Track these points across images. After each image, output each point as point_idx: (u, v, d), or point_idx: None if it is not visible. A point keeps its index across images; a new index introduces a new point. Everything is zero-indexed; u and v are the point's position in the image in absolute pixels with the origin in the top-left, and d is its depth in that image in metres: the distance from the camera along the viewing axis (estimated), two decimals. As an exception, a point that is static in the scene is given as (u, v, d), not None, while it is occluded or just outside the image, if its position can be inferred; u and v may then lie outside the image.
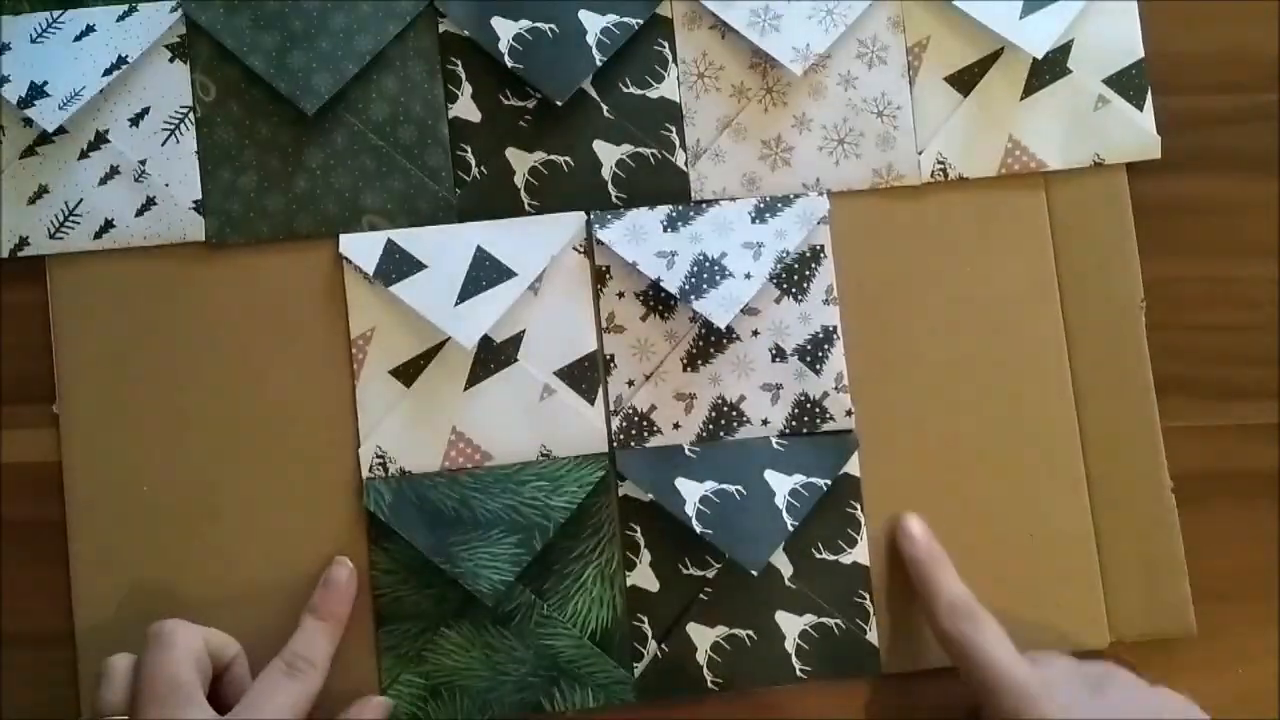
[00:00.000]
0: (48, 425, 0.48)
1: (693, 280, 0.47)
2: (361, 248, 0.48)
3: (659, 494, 0.47)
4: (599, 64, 0.48)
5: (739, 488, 0.47)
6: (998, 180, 0.50)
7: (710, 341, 0.48)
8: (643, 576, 0.48)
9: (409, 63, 0.49)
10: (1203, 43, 0.51)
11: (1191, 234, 0.50)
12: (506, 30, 0.48)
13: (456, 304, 0.47)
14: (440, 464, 0.47)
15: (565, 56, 0.48)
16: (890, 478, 0.48)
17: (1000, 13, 0.49)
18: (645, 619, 0.48)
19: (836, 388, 0.48)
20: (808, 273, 0.49)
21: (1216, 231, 0.50)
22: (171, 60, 0.48)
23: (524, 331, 0.48)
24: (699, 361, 0.48)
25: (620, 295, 0.49)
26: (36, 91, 0.47)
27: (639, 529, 0.48)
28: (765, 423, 0.48)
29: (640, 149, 0.49)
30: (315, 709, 0.44)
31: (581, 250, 0.49)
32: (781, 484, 0.47)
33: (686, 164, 0.49)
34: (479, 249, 0.48)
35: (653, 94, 0.49)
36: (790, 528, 0.46)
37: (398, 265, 0.47)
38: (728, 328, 0.48)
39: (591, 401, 0.48)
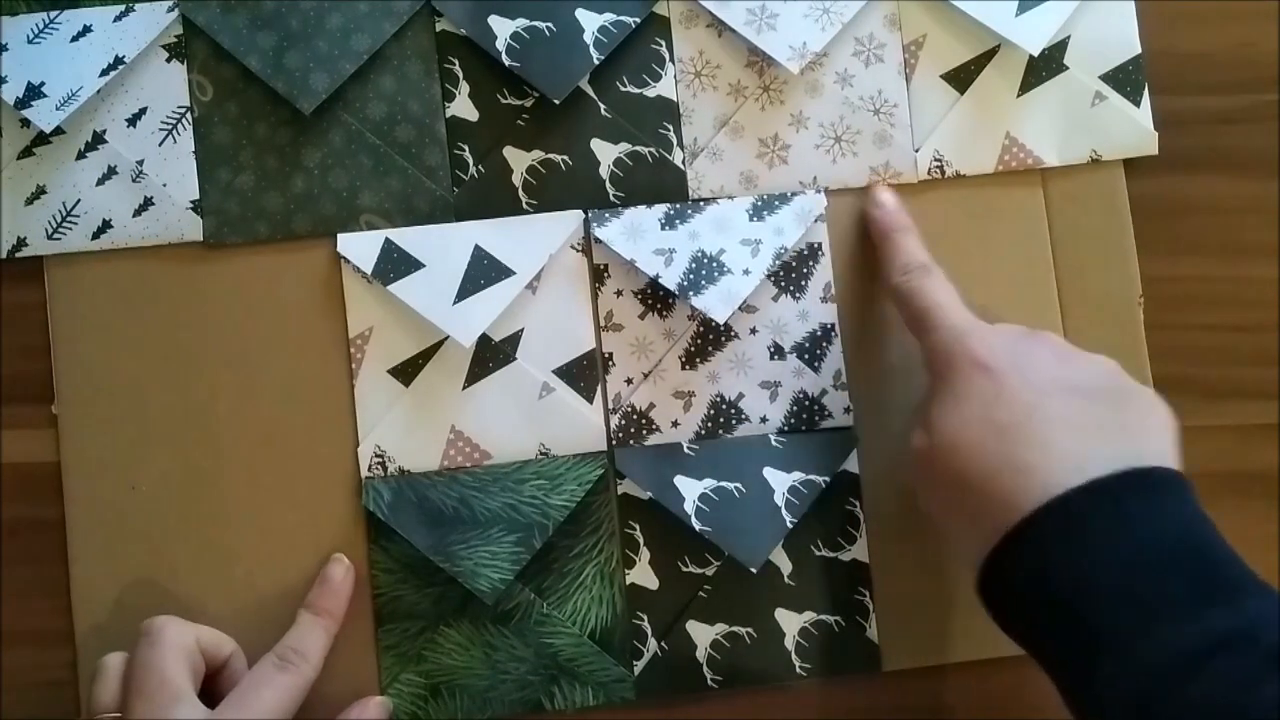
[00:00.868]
0: (48, 425, 0.48)
1: (691, 277, 0.47)
2: (359, 247, 0.48)
3: (658, 492, 0.47)
4: (596, 62, 0.48)
5: (738, 485, 0.47)
6: (995, 177, 0.50)
7: (709, 339, 0.48)
8: (642, 574, 0.48)
9: (406, 62, 0.49)
10: (1202, 42, 0.51)
11: (1191, 234, 0.50)
12: (503, 29, 0.49)
13: (455, 303, 0.47)
14: (439, 463, 0.48)
15: (562, 55, 0.48)
16: (889, 475, 0.48)
17: (996, 10, 0.49)
18: (645, 617, 0.48)
19: (835, 385, 0.48)
20: (806, 270, 0.49)
21: (1216, 231, 0.50)
22: (169, 60, 0.48)
23: (522, 330, 0.48)
24: (697, 359, 0.48)
25: (618, 293, 0.49)
26: (34, 92, 0.47)
27: (638, 527, 0.48)
28: (764, 420, 0.48)
29: (638, 147, 0.49)
30: (313, 710, 0.44)
31: (579, 249, 0.49)
32: (780, 481, 0.47)
33: (684, 162, 0.49)
34: (477, 248, 0.48)
35: (650, 93, 0.49)
36: (789, 525, 0.46)
37: (396, 264, 0.47)
38: (726, 325, 0.48)
39: (590, 400, 0.48)
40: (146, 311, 0.48)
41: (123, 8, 0.48)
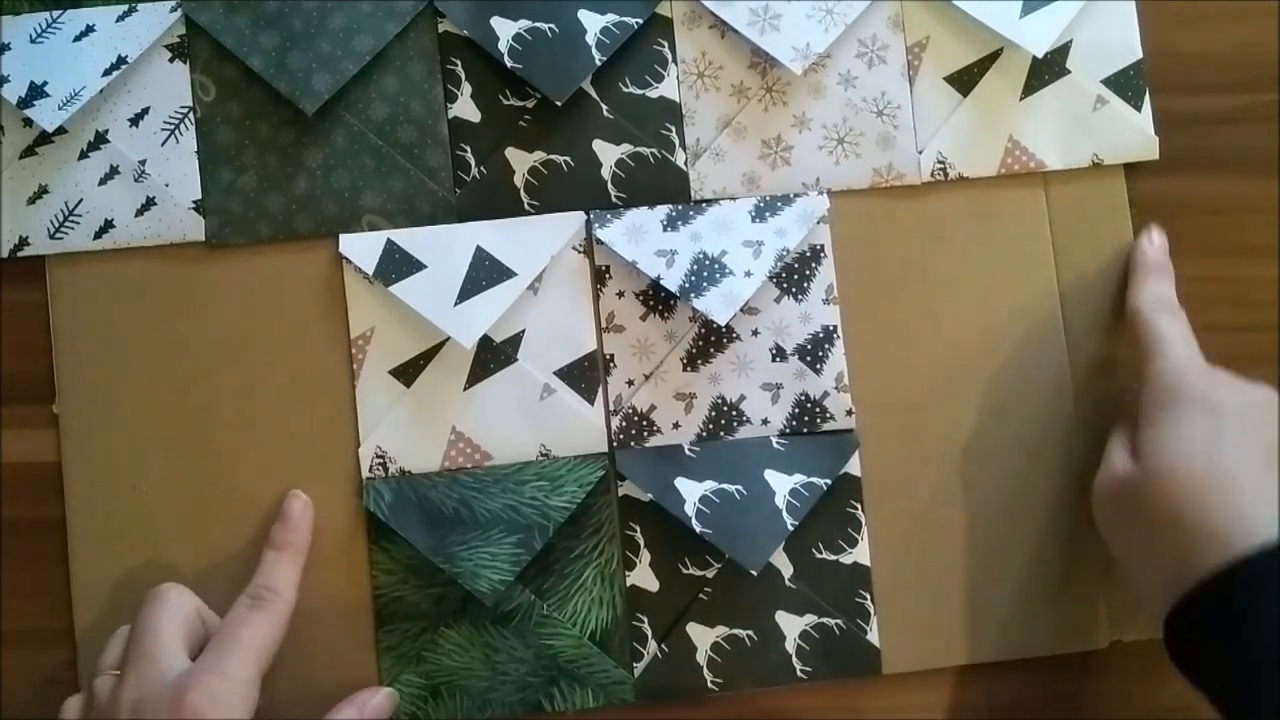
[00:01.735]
0: (48, 425, 0.48)
1: (692, 279, 0.47)
2: (361, 248, 0.48)
3: (658, 494, 0.47)
4: (598, 63, 0.48)
5: (739, 487, 0.47)
6: (997, 180, 0.50)
7: (710, 341, 0.48)
8: (642, 576, 0.48)
9: (409, 63, 0.49)
10: (1203, 43, 0.51)
11: (1191, 234, 0.50)
12: (506, 30, 0.48)
13: (456, 304, 0.47)
14: (440, 464, 0.47)
15: (565, 56, 0.48)
16: (890, 477, 0.48)
17: (1000, 12, 0.49)
18: (645, 619, 0.48)
19: (837, 387, 0.48)
20: (808, 272, 0.49)
21: (1216, 231, 0.50)
22: (171, 60, 0.48)
23: (524, 331, 0.48)
24: (699, 361, 0.48)
25: (620, 295, 0.49)
26: (36, 92, 0.47)
27: (639, 529, 0.48)
28: (765, 422, 0.48)
29: (640, 148, 0.49)
30: (313, 708, 0.44)
31: (581, 250, 0.49)
32: (781, 484, 0.47)
33: (686, 163, 0.49)
34: (479, 249, 0.48)
35: (652, 94, 0.49)
36: (790, 527, 0.46)
37: (397, 265, 0.47)
38: (727, 327, 0.48)
39: (591, 401, 0.48)
40: (148, 311, 0.48)
41: (125, 8, 0.48)
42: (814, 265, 0.49)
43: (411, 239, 0.48)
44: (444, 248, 0.48)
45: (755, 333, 0.48)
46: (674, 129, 0.49)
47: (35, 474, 0.47)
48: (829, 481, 0.47)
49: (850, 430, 0.48)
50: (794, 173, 0.49)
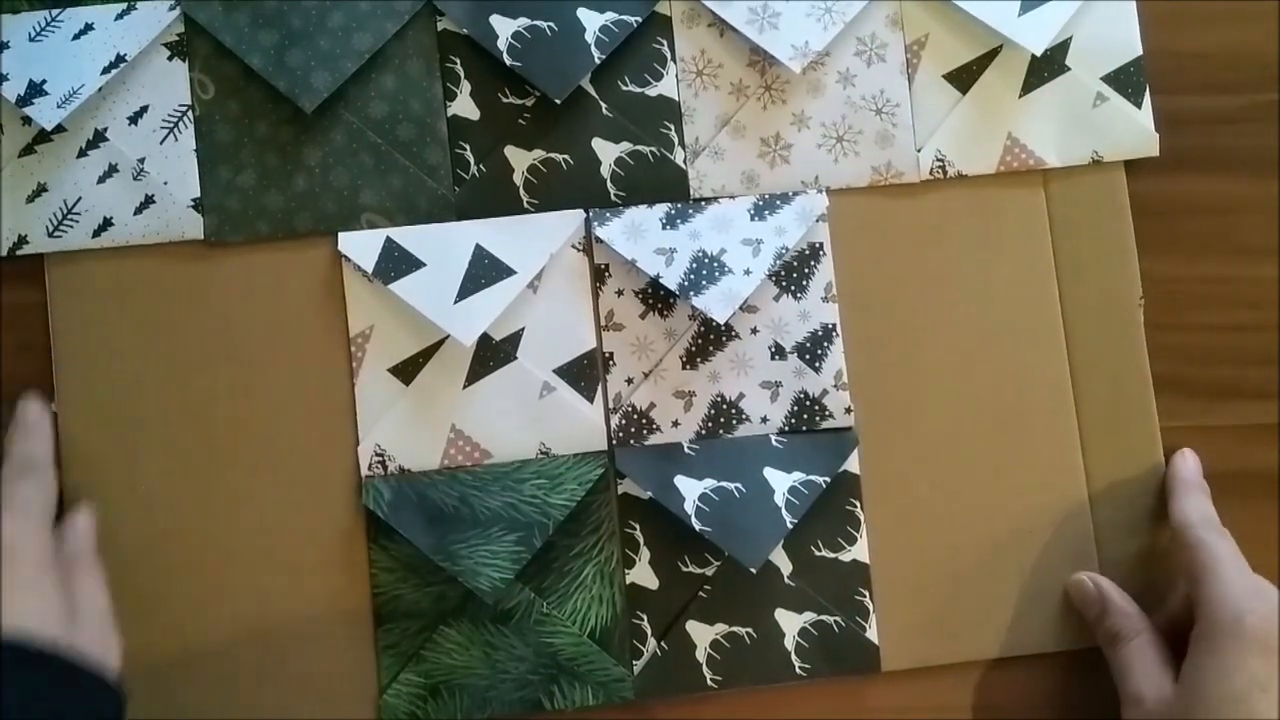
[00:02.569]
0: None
1: (692, 277, 0.47)
2: (360, 245, 0.48)
3: (658, 492, 0.47)
4: (598, 62, 0.48)
5: (738, 485, 0.47)
6: (996, 178, 0.50)
7: (709, 339, 0.48)
8: (642, 574, 0.48)
9: (408, 60, 0.49)
10: (1202, 42, 0.51)
11: (1191, 234, 0.50)
12: (505, 28, 0.48)
13: (456, 302, 0.47)
14: (439, 462, 0.47)
15: (564, 54, 0.48)
16: (889, 475, 0.48)
17: (998, 10, 0.49)
18: (645, 616, 0.48)
19: (836, 385, 0.48)
20: (807, 270, 0.49)
21: (1216, 231, 0.50)
22: (170, 58, 0.48)
23: (523, 329, 0.48)
24: (698, 359, 0.48)
25: (619, 293, 0.49)
26: (35, 90, 0.47)
27: (638, 526, 0.48)
28: (764, 420, 0.48)
29: (639, 147, 0.49)
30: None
31: (580, 248, 0.49)
32: (780, 481, 0.47)
33: (685, 162, 0.49)
34: (478, 247, 0.48)
35: (651, 92, 0.49)
36: (789, 525, 0.46)
37: (396, 263, 0.47)
38: (726, 325, 0.48)
39: (591, 399, 0.48)
40: (147, 310, 0.48)
41: (124, 6, 0.48)
42: (813, 263, 0.49)
43: (411, 237, 0.48)
44: (443, 246, 0.48)
45: (754, 331, 0.48)
46: (673, 127, 0.49)
47: None
48: (828, 479, 0.47)
49: (849, 428, 0.48)
50: (793, 171, 0.49)
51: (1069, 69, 0.50)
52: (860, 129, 0.49)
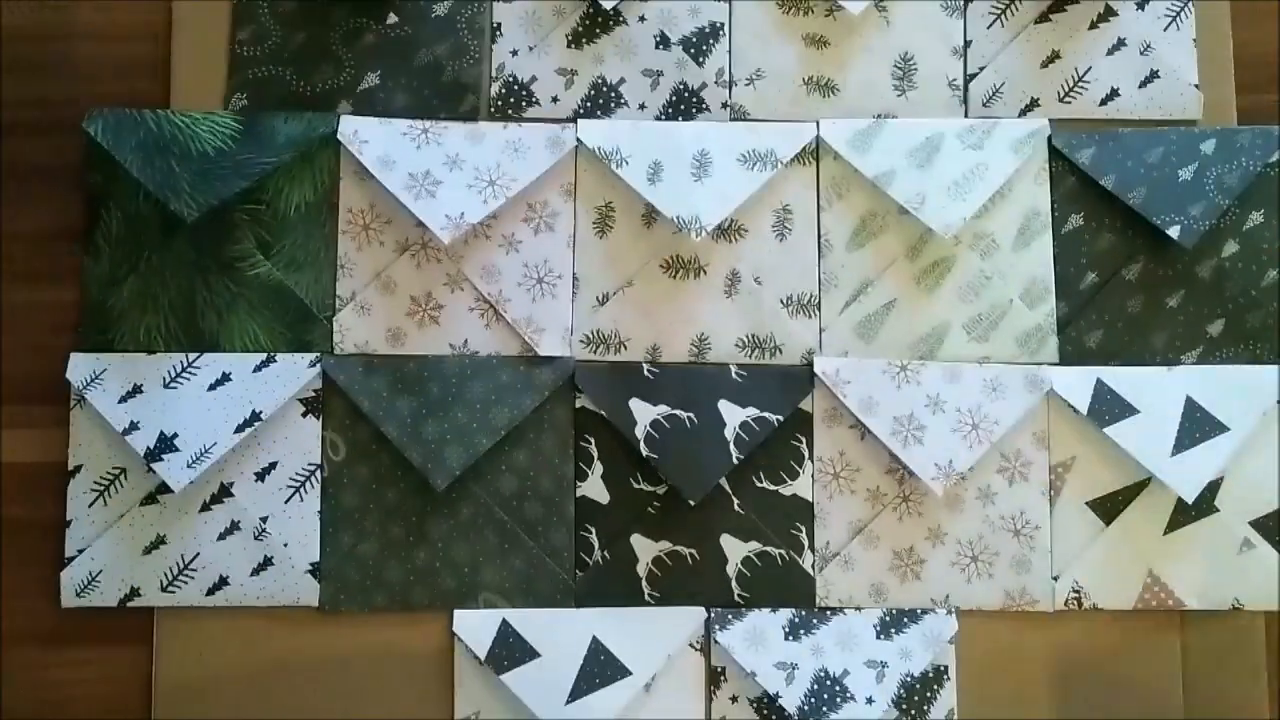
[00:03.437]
0: (47, 425, 0.47)
1: (812, 700, 0.45)
2: (475, 627, 0.47)
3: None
4: (736, 462, 0.47)
5: (691, 415, 0.47)
6: (1133, 614, 0.48)
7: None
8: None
9: (542, 435, 0.48)
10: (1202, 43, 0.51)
11: None
12: (644, 415, 0.47)
13: (567, 702, 0.46)
14: None
15: (702, 451, 0.47)
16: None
17: (1151, 445, 0.47)
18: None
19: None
20: (929, 694, 0.47)
21: None
22: (304, 414, 0.48)
23: (631, 728, 0.47)
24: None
25: (734, 699, 0.47)
26: (166, 444, 0.46)
27: (593, 440, 0.48)
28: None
29: (768, 548, 0.48)
30: None
31: (698, 647, 0.47)
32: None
33: (814, 567, 0.48)
34: (595, 641, 0.47)
35: (786, 490, 0.48)
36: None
37: (510, 651, 0.46)
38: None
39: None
40: (253, 673, 0.47)
41: (263, 357, 0.48)
42: (935, 687, 0.47)
43: (527, 621, 0.47)
44: (560, 635, 0.47)
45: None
46: (804, 529, 0.48)
47: (35, 474, 0.47)
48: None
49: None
50: (924, 588, 0.48)
51: (1218, 510, 0.48)
52: (996, 550, 0.48)
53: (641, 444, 0.47)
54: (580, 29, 0.50)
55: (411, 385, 0.47)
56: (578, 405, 0.48)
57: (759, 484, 0.48)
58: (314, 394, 0.48)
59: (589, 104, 0.50)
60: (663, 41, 0.50)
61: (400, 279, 0.49)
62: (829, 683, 0.46)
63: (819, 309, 0.49)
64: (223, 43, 0.50)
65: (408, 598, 0.47)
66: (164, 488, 0.47)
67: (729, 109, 0.50)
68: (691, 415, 0.48)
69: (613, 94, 0.50)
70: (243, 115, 0.48)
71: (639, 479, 0.48)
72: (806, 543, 0.48)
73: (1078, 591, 0.48)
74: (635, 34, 0.50)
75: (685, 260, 0.49)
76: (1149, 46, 0.50)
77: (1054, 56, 0.50)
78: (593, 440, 0.48)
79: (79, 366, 0.47)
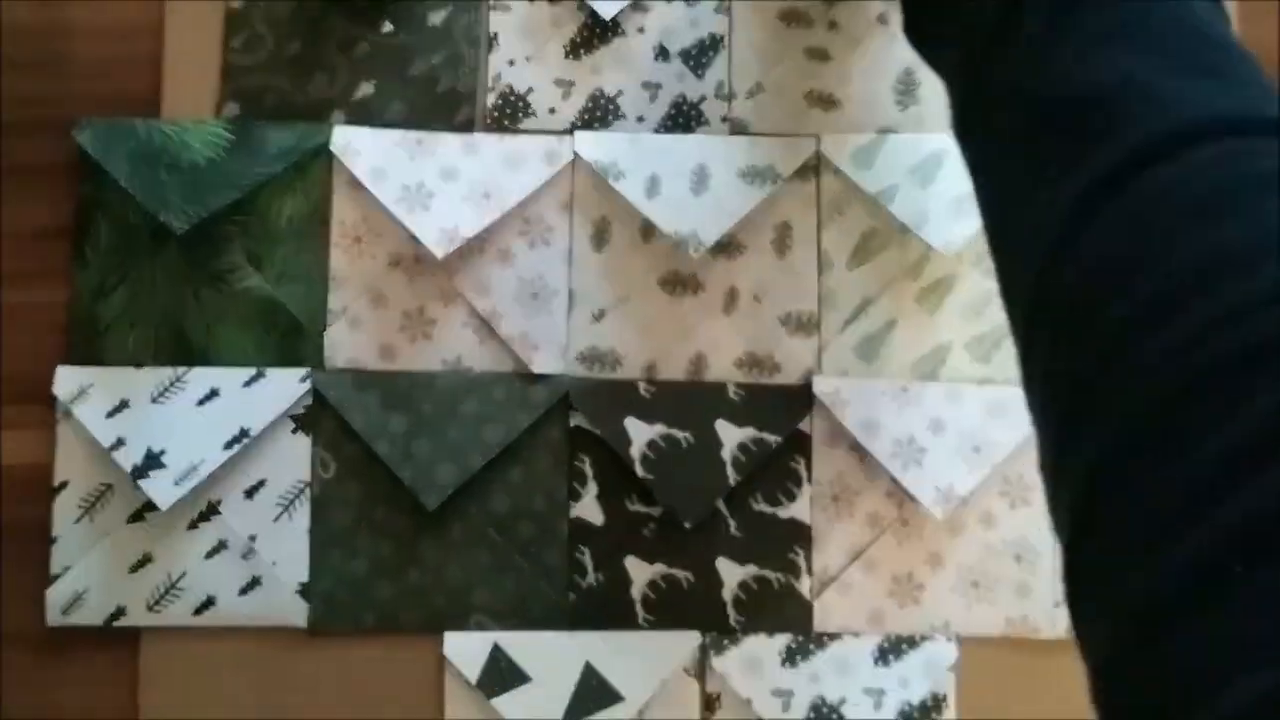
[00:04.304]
0: (48, 426, 0.46)
1: None
2: (467, 650, 0.46)
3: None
4: (733, 484, 0.46)
5: (688, 435, 0.46)
6: (1135, 642, 0.47)
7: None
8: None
9: (536, 454, 0.47)
10: None
11: None
12: (640, 434, 0.47)
13: (561, 728, 0.45)
14: None
15: (699, 472, 0.46)
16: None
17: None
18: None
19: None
20: None
21: None
22: (294, 431, 0.47)
23: (623, 756, 0.46)
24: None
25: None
26: (153, 460, 0.45)
27: (588, 460, 0.47)
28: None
29: (765, 571, 0.47)
30: None
31: (692, 673, 0.47)
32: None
33: (812, 591, 0.47)
34: (588, 666, 0.46)
35: (783, 513, 0.47)
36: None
37: (502, 675, 0.45)
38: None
39: (687, 837, 0.46)
40: (239, 694, 0.46)
41: (253, 372, 0.47)
42: (934, 716, 0.47)
43: (519, 645, 0.46)
44: (552, 659, 0.46)
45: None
46: (802, 553, 0.47)
47: (35, 474, 0.46)
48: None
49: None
50: (923, 613, 0.47)
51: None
52: (998, 576, 0.47)
53: (637, 464, 0.46)
54: (578, 39, 0.49)
55: (403, 402, 0.47)
56: (572, 424, 0.47)
57: (756, 506, 0.47)
58: (304, 410, 0.47)
59: (587, 116, 0.49)
60: (662, 53, 0.49)
61: (392, 293, 0.48)
62: (825, 710, 0.45)
63: (819, 327, 0.49)
64: (216, 49, 0.49)
65: (397, 619, 0.46)
66: (151, 505, 0.46)
67: (729, 122, 0.49)
68: (688, 435, 0.47)
69: (611, 106, 0.49)
70: (235, 124, 0.48)
71: (634, 500, 0.47)
72: (804, 566, 0.47)
73: (1080, 618, 0.47)
74: (634, 45, 0.50)
75: (683, 276, 0.49)
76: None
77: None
78: (587, 460, 0.47)
79: (65, 380, 0.46)
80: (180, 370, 0.47)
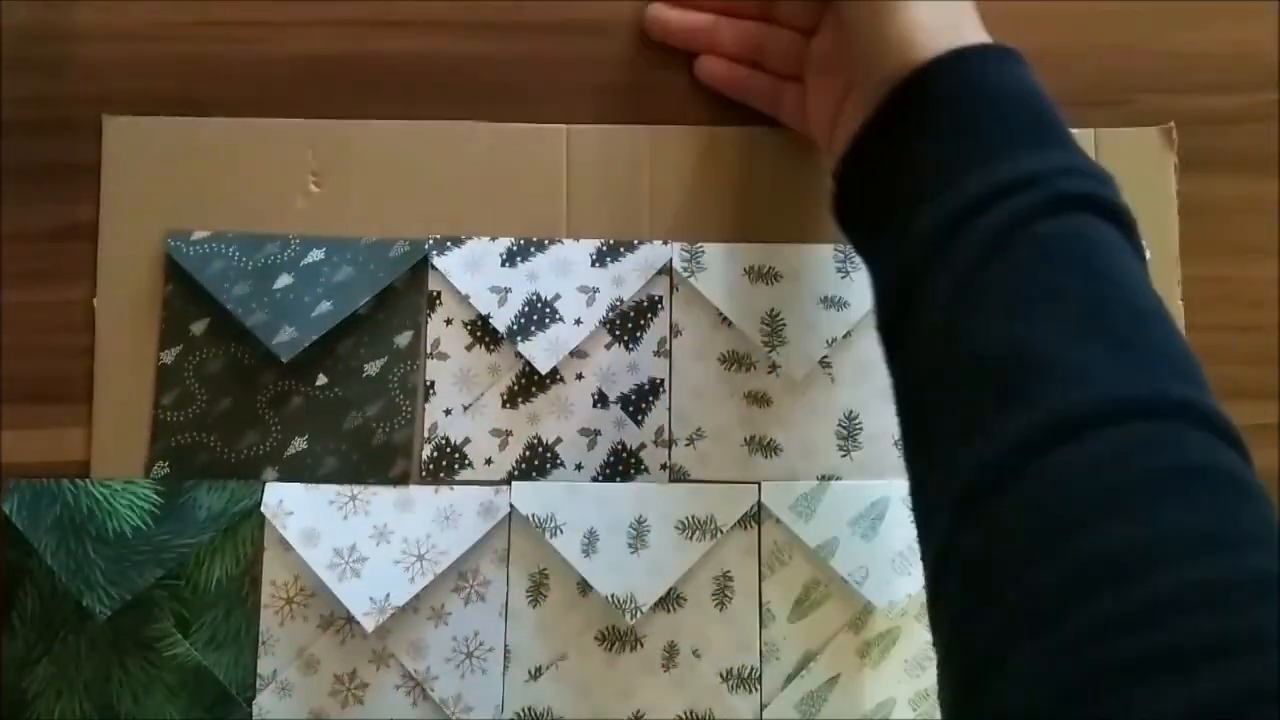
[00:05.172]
0: (48, 425, 0.47)
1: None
2: None
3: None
4: None
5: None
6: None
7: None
8: None
9: None
10: (1202, 43, 0.51)
11: (1191, 234, 0.50)
12: None
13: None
14: None
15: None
16: None
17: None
18: None
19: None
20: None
21: (1216, 231, 0.50)
22: None
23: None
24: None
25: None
26: None
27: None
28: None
29: None
30: None
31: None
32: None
33: None
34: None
35: None
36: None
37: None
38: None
39: None
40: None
41: None
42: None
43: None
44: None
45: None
46: None
47: (35, 474, 0.46)
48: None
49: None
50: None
51: None
52: None
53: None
54: (516, 387, 0.49)
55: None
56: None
57: None
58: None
59: (524, 465, 0.49)
60: (600, 400, 0.49)
61: (324, 656, 0.47)
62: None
63: (760, 683, 0.48)
64: (147, 407, 0.48)
65: None
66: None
67: (668, 470, 0.49)
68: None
69: (549, 454, 0.49)
70: (164, 485, 0.47)
71: None
72: None
73: None
74: (573, 392, 0.49)
75: (621, 632, 0.48)
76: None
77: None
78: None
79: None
80: (102, 739, 0.46)
